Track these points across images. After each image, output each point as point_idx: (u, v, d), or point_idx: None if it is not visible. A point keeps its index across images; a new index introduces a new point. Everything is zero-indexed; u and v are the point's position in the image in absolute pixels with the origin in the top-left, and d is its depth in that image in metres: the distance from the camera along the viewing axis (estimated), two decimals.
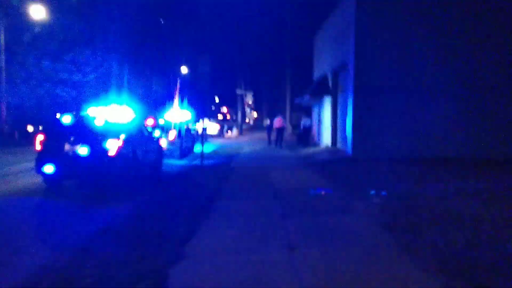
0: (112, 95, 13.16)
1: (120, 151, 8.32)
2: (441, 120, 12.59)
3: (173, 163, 13.80)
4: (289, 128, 33.41)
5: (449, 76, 12.54)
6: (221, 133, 32.09)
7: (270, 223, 5.65)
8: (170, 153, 15.46)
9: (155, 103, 27.44)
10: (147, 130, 11.11)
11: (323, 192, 7.94)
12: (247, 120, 66.24)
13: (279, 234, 5.11)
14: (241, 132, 35.86)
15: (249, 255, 4.34)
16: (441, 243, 4.60)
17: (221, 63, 46.17)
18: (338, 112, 16.03)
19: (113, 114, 9.24)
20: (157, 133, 12.60)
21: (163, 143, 15.46)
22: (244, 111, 44.72)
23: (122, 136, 8.52)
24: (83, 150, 8.05)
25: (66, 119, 8.40)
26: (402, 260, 4.19)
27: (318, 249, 4.50)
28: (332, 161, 12.96)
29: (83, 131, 8.34)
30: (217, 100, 73.61)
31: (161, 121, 16.54)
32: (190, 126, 19.35)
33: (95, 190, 8.44)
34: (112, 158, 8.20)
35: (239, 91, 37.08)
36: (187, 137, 17.24)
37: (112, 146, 8.20)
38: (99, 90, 12.59)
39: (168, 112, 18.15)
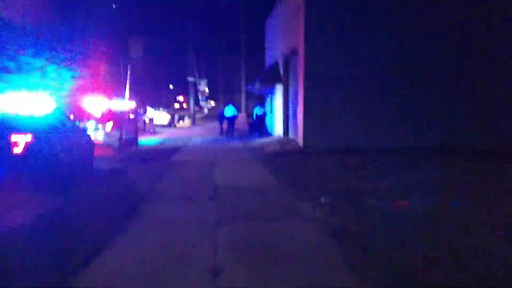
0: (28, 80, 11.52)
1: (29, 147, 7.01)
2: (388, 111, 12.15)
3: (112, 157, 12.46)
4: (243, 117, 32.54)
5: (396, 69, 12.07)
6: (172, 123, 30.57)
7: (198, 235, 4.71)
8: (107, 146, 14.05)
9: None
10: (73, 123, 9.75)
11: (267, 191, 7.12)
12: (204, 110, 64.63)
13: (206, 250, 4.18)
14: (193, 122, 34.50)
15: (158, 284, 3.39)
16: (394, 256, 3.89)
17: (176, 51, 44.32)
18: (290, 101, 15.31)
19: (24, 104, 7.88)
20: (90, 125, 11.25)
21: (99, 136, 14.08)
22: (198, 100, 43.17)
23: (32, 130, 7.21)
24: None
25: None
26: (350, 282, 3.41)
27: (247, 272, 3.62)
28: (282, 153, 12.22)
29: None
30: (171, 87, 70.96)
31: (96, 112, 15.00)
32: (132, 116, 17.87)
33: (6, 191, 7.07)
34: (18, 156, 6.88)
35: (190, 79, 35.54)
36: (128, 128, 15.81)
37: (18, 142, 6.87)
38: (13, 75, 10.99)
39: (106, 100, 16.59)
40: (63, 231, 4.87)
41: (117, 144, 14.31)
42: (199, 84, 52.12)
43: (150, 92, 58.36)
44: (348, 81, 11.92)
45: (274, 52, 18.19)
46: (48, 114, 8.10)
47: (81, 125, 13.68)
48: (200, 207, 6.09)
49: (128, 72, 43.18)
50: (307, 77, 11.99)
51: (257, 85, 17.71)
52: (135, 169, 10.24)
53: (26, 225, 5.09)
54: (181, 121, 33.00)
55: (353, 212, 5.51)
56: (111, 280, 3.49)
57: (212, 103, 70.34)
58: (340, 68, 11.87)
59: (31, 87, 10.40)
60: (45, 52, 12.99)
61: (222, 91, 60.62)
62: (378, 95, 12.05)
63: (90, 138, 10.70)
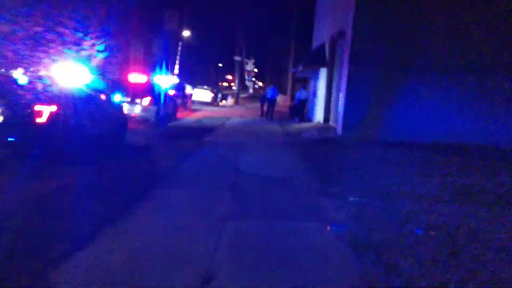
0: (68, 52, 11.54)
1: (54, 118, 6.87)
2: (445, 103, 10.97)
3: (146, 132, 12.35)
4: (288, 100, 31.75)
5: (459, 57, 10.80)
6: (214, 101, 30.42)
7: (202, 229, 4.25)
8: (144, 121, 14.02)
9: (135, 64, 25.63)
10: (106, 96, 9.61)
11: (291, 183, 6.53)
12: (250, 90, 64.18)
13: (204, 249, 3.72)
14: (237, 101, 34.17)
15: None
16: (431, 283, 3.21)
17: (226, 29, 43.88)
18: (333, 85, 14.40)
19: (60, 74, 7.77)
20: (117, 97, 11.13)
21: (136, 110, 14.04)
22: (243, 79, 42.76)
23: (60, 101, 7.07)
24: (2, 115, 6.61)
25: None
26: None
27: (242, 282, 3.11)
28: (319, 141, 11.49)
29: (9, 91, 6.88)
30: (220, 65, 70.84)
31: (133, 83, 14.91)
32: (171, 92, 17.74)
33: (28, 162, 7.03)
34: (42, 125, 6.76)
35: (237, 58, 35.07)
36: (166, 103, 15.70)
37: (42, 112, 6.74)
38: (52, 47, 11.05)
39: (150, 75, 16.53)
40: (67, 209, 4.60)
41: (153, 119, 14.23)
42: (246, 63, 51.66)
43: (198, 69, 58.85)
44: (398, 68, 10.86)
45: (322, 34, 17.18)
46: (77, 86, 7.94)
47: (117, 98, 13.73)
48: (214, 196, 5.63)
49: (179, 49, 43.57)
50: (352, 61, 11.05)
51: (301, 67, 16.86)
52: (164, 146, 10.00)
53: (37, 197, 4.90)
54: (224, 100, 32.78)
55: (384, 219, 4.80)
56: (84, 281, 3.12)
57: (260, 83, 69.69)
58: (390, 54, 10.81)
59: (68, 59, 10.40)
60: (83, 25, 13.02)
61: (271, 72, 59.75)
62: (433, 85, 10.90)
63: (123, 112, 10.59)
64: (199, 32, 48.66)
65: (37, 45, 10.37)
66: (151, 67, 25.46)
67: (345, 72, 11.55)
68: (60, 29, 11.65)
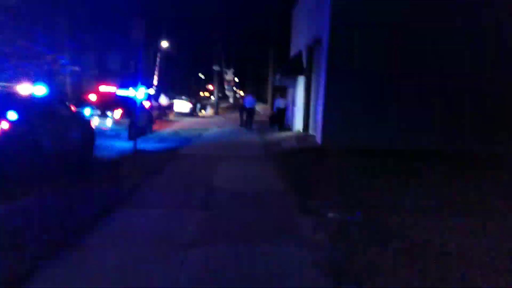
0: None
1: (4, 135, 6.26)
2: (423, 109, 10.76)
3: (116, 146, 11.72)
4: (268, 109, 31.48)
5: (436, 66, 10.62)
6: (193, 112, 29.82)
7: (163, 258, 3.75)
8: (116, 135, 13.37)
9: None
10: (69, 110, 9.01)
11: (268, 198, 6.08)
12: (230, 100, 63.78)
13: (163, 281, 3.21)
14: (216, 111, 33.65)
15: None
16: None
17: (205, 39, 43.56)
18: (312, 94, 14.09)
19: (15, 88, 7.16)
20: (86, 111, 10.54)
21: (107, 123, 13.40)
22: (222, 89, 42.40)
23: (12, 116, 6.47)
24: None
25: None
26: None
27: None
28: (298, 151, 11.10)
29: None
30: (202, 76, 70.25)
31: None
32: (145, 104, 17.11)
33: None
34: None
35: (216, 68, 34.66)
36: (141, 116, 15.08)
37: None
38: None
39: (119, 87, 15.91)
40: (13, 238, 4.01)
41: (126, 132, 13.59)
42: (225, 73, 51.43)
43: (178, 80, 58.21)
44: (376, 75, 10.61)
45: (299, 42, 16.95)
46: (34, 100, 7.34)
47: (86, 112, 13.07)
48: (181, 217, 5.12)
49: (157, 60, 42.92)
50: (330, 69, 10.76)
51: (279, 76, 16.54)
52: (134, 161, 9.42)
53: None
54: (203, 110, 32.24)
55: (365, 238, 4.39)
56: None
57: (242, 92, 69.42)
58: (368, 61, 10.56)
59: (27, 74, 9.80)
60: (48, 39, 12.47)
61: (251, 81, 59.60)
62: (412, 91, 10.68)
63: (90, 126, 9.97)
64: (179, 43, 48.29)
65: None
66: (126, 79, 24.86)
67: (322, 79, 11.25)
68: (20, 42, 11.04)
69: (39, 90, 7.57)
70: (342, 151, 10.22)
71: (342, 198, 5.97)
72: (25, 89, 7.14)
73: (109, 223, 4.80)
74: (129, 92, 15.09)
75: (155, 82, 39.86)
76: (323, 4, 11.48)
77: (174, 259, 3.77)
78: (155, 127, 19.08)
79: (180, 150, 11.41)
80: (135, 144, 9.62)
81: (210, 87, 75.68)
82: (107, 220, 4.89)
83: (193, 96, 53.11)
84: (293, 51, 18.82)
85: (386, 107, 10.76)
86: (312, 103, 13.95)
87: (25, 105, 6.99)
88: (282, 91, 21.77)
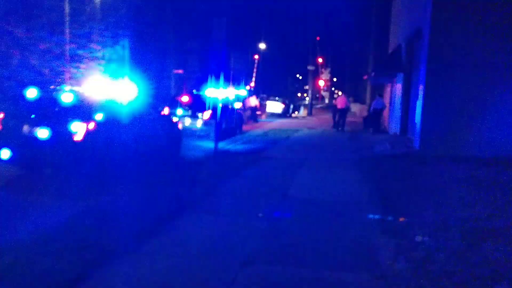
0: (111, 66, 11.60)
1: (91, 135, 6.59)
2: None
3: (204, 147, 11.92)
4: (366, 110, 29.80)
5: None
6: (286, 113, 29.58)
7: (211, 276, 3.38)
8: (205, 135, 13.67)
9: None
10: (157, 111, 9.31)
11: (346, 212, 5.37)
12: (325, 100, 62.43)
13: None
14: (310, 112, 32.98)
15: None
16: None
17: (303, 41, 43.21)
18: (411, 92, 12.69)
19: (105, 90, 7.58)
20: (178, 112, 10.85)
21: (198, 124, 13.75)
22: (316, 90, 41.49)
23: (98, 117, 6.79)
24: (42, 133, 6.45)
25: (31, 93, 6.85)
26: None
27: None
28: (391, 157, 9.98)
29: (47, 109, 6.77)
30: (299, 77, 70.05)
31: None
32: (236, 105, 17.25)
33: (59, 183, 6.82)
34: (78, 144, 6.50)
35: (310, 67, 33.97)
36: (229, 117, 15.26)
37: (78, 130, 6.48)
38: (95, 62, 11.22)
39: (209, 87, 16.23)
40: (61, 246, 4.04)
41: (214, 132, 13.82)
42: (322, 73, 50.35)
43: (276, 81, 58.87)
44: (488, 69, 9.01)
45: (398, 35, 15.48)
46: (119, 101, 7.64)
47: (177, 113, 13.57)
48: (245, 228, 4.72)
49: (255, 61, 43.86)
50: (431, 63, 9.46)
51: (373, 73, 15.32)
52: (217, 163, 9.37)
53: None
54: (296, 111, 31.83)
55: (463, 274, 3.48)
56: None
57: (340, 93, 67.45)
58: (477, 53, 9.02)
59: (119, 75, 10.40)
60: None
61: (349, 81, 57.48)
62: None
63: (177, 127, 10.22)
64: (276, 44, 48.79)
65: (71, 61, 10.49)
66: (224, 80, 25.57)
67: (422, 76, 9.96)
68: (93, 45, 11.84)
69: (126, 93, 7.88)
70: (443, 158, 8.89)
71: (437, 217, 4.98)
72: (112, 92, 7.47)
73: (171, 229, 4.62)
74: (218, 93, 15.32)
75: (252, 83, 40.74)
76: None
77: (225, 277, 3.38)
78: (246, 127, 19.26)
79: (264, 152, 11.12)
80: (216, 146, 9.56)
81: (307, 87, 75.20)
82: (170, 226, 4.72)
83: (290, 97, 53.17)
84: (392, 47, 17.32)
85: (497, 108, 9.08)
86: (411, 103, 12.56)
87: (111, 107, 7.31)
88: (381, 90, 20.29)
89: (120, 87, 7.74)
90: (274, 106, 28.87)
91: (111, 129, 7.06)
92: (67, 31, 10.98)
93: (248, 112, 22.20)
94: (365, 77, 18.72)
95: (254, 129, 18.73)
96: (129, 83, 8.11)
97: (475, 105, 9.20)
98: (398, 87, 14.29)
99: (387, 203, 5.75)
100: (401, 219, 4.93)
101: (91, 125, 6.62)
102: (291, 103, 32.31)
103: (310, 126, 21.09)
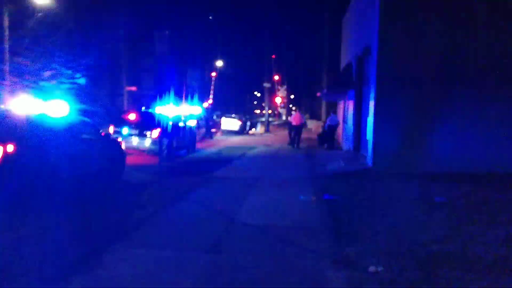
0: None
1: (10, 159, 5.77)
2: (498, 123, 9.04)
3: (152, 167, 11.17)
4: (320, 127, 30.12)
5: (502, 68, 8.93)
6: (243, 130, 29.23)
7: None
8: (154, 154, 12.93)
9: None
10: (96, 131, 8.55)
11: (297, 239, 4.93)
12: (283, 117, 62.98)
13: None
14: (267, 129, 32.86)
15: None
16: None
17: (258, 56, 43.46)
18: (363, 109, 12.72)
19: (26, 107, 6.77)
20: (124, 131, 10.12)
21: (146, 143, 12.99)
22: (273, 107, 41.69)
23: (19, 138, 6.00)
24: None
25: None
26: None
27: None
28: (345, 174, 9.78)
29: None
30: (257, 94, 70.23)
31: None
32: (188, 122, 16.62)
33: None
34: None
35: (266, 85, 34.03)
36: (181, 135, 14.61)
37: None
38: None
39: (159, 105, 15.55)
40: None
41: (164, 152, 13.10)
42: (278, 90, 50.84)
43: (232, 98, 58.66)
44: (435, 84, 9.13)
45: (348, 53, 15.67)
46: (49, 121, 6.86)
47: (123, 131, 12.77)
48: (180, 264, 4.14)
49: (213, 79, 43.48)
50: (380, 80, 9.45)
51: (325, 90, 15.33)
52: (162, 185, 8.72)
53: None
54: (253, 128, 31.59)
55: None
56: None
57: (295, 110, 68.28)
58: (425, 68, 9.13)
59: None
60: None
61: (305, 98, 58.40)
62: (481, 102, 9.03)
63: (119, 147, 9.48)
64: (233, 61, 48.81)
65: None
66: (176, 97, 24.88)
67: (372, 92, 9.93)
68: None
69: (57, 110, 7.11)
70: (397, 175, 8.79)
71: (391, 242, 4.67)
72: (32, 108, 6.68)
73: (95, 268, 3.95)
74: (169, 110, 14.66)
75: (209, 100, 40.23)
76: (372, 6, 10.23)
77: None
78: (201, 145, 18.64)
79: (216, 172, 10.57)
80: (160, 166, 8.89)
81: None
82: (95, 263, 4.06)
83: (249, 114, 52.93)
84: (343, 64, 17.54)
85: (446, 122, 9.19)
86: (363, 119, 12.57)
87: (36, 126, 6.52)
88: (335, 107, 20.46)
89: (50, 106, 6.96)
90: (231, 123, 28.46)
91: (36, 152, 6.27)
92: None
93: (203, 130, 21.63)
94: (318, 94, 18.74)
95: (208, 147, 18.15)
96: (59, 101, 7.33)
97: (425, 120, 9.24)
98: (350, 103, 14.35)
99: (339, 227, 5.39)
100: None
101: (10, 148, 5.81)
102: (248, 120, 32.04)
103: (267, 143, 20.80)
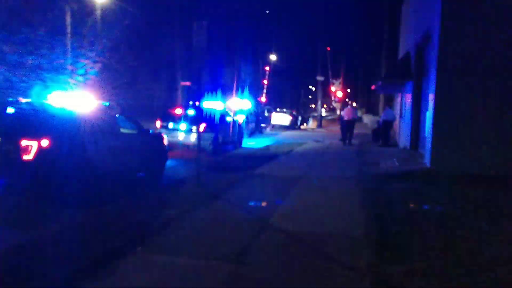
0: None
1: (44, 154, 5.72)
2: None
3: (192, 163, 10.99)
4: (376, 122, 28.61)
5: None
6: (294, 125, 28.52)
7: None
8: (200, 150, 12.77)
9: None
10: (138, 126, 8.45)
11: (332, 253, 4.32)
12: (337, 111, 61.05)
13: None
14: (319, 124, 31.84)
15: None
16: None
17: (314, 53, 42.34)
18: (422, 102, 11.59)
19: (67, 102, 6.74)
20: (170, 126, 10.01)
21: (191, 138, 12.86)
22: (327, 101, 40.44)
23: (53, 133, 5.94)
24: None
25: None
26: None
27: None
28: (398, 175, 8.86)
29: None
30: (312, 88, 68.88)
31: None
32: (237, 117, 16.32)
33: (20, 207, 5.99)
34: (30, 163, 5.64)
35: (319, 78, 32.92)
36: (227, 130, 14.38)
37: (29, 147, 5.63)
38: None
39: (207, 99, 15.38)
40: None
41: (210, 147, 12.91)
42: (333, 84, 49.29)
43: (287, 93, 57.93)
44: (504, 78, 7.92)
45: (407, 41, 14.42)
46: (83, 115, 6.76)
47: (169, 126, 12.72)
48: (200, 274, 3.73)
49: (266, 73, 43.13)
50: (441, 70, 8.39)
51: (380, 83, 14.24)
52: (202, 181, 8.40)
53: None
54: (305, 123, 30.76)
55: None
56: None
57: (354, 104, 65.90)
58: (494, 55, 7.95)
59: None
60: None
61: (361, 92, 56.20)
62: None
63: (161, 142, 9.34)
64: (287, 55, 48.00)
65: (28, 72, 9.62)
66: (225, 91, 24.80)
67: (432, 85, 8.89)
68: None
69: (91, 103, 7.04)
70: (460, 178, 7.76)
71: (448, 262, 3.91)
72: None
73: (110, 275, 3.68)
74: (217, 105, 14.46)
75: (263, 95, 39.92)
76: None
77: None
78: (249, 141, 18.34)
79: (258, 168, 10.12)
80: (197, 164, 8.58)
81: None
82: (111, 268, 3.78)
83: (303, 108, 51.92)
84: (401, 54, 16.24)
85: None
86: (421, 115, 11.46)
87: (71, 120, 6.45)
88: (393, 101, 19.16)
89: (84, 100, 6.89)
90: (281, 118, 27.89)
91: (71, 147, 6.20)
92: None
93: (252, 125, 21.31)
94: (373, 87, 17.60)
95: (257, 143, 17.79)
96: (89, 95, 7.24)
97: (492, 117, 8.08)
98: (408, 97, 13.19)
99: (382, 239, 4.70)
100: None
101: (45, 142, 5.76)
102: (300, 114, 31.24)
103: (317, 139, 20.00)
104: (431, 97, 8.99)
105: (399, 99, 16.33)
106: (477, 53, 8.13)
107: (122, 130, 7.91)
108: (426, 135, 9.51)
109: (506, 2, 7.90)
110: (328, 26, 39.97)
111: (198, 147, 8.47)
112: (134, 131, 8.33)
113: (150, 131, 9.18)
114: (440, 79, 8.42)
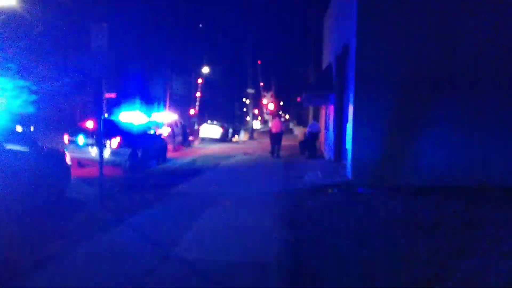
0: None
1: None
2: (491, 131, 8.04)
3: (108, 181, 9.91)
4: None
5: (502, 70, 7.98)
6: (225, 137, 28.02)
7: None
8: (116, 166, 11.69)
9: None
10: (33, 142, 7.33)
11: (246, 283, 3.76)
12: (269, 124, 61.72)
13: None
14: (251, 136, 31.74)
15: None
16: None
17: (243, 63, 42.32)
18: (343, 114, 11.66)
19: None
20: (80, 140, 8.92)
21: (105, 153, 11.72)
22: (257, 113, 40.68)
23: None
24: None
25: None
26: None
27: None
28: (321, 188, 8.65)
29: None
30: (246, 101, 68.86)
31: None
32: (161, 130, 15.43)
33: None
34: None
35: (250, 90, 32.96)
36: (147, 144, 13.38)
37: None
38: None
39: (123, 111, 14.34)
40: None
41: (126, 163, 11.85)
42: (264, 96, 49.88)
43: (220, 105, 57.32)
44: (420, 87, 8.09)
45: (328, 54, 14.65)
46: None
47: (79, 140, 11.52)
48: None
49: (199, 86, 42.18)
50: (359, 82, 8.40)
51: (304, 95, 14.26)
52: (108, 203, 7.46)
53: None
54: (236, 135, 30.42)
55: None
56: None
57: (287, 116, 67.07)
58: (408, 68, 8.10)
59: None
60: None
61: (293, 104, 57.47)
62: (474, 107, 8.05)
63: (62, 160, 8.25)
64: (220, 68, 47.58)
65: None
66: (145, 103, 23.70)
67: (351, 96, 8.86)
68: None
69: None
70: (379, 189, 7.71)
71: (366, 284, 3.53)
72: None
73: None
74: (135, 117, 13.45)
75: (195, 108, 38.97)
76: (350, 1, 9.22)
77: None
78: (176, 154, 17.45)
79: (177, 186, 9.37)
80: (118, 180, 7.63)
81: (256, 111, 74.44)
82: None
83: (238, 121, 51.53)
84: (324, 66, 16.52)
85: (433, 130, 8.17)
86: (344, 127, 11.51)
87: None
88: (318, 113, 19.44)
89: None
90: (211, 130, 27.24)
91: None
92: None
93: (179, 138, 20.42)
94: (299, 99, 17.69)
95: (182, 157, 16.94)
96: None
97: (409, 129, 8.20)
98: (331, 109, 13.31)
99: (303, 263, 4.26)
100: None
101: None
102: (231, 127, 30.87)
103: (247, 152, 19.64)
104: (350, 109, 8.96)
105: (323, 111, 16.54)
106: (393, 66, 8.24)
107: (8, 147, 6.79)
108: (347, 147, 9.47)
109: (413, 18, 8.09)
110: (259, 39, 40.46)
111: (100, 164, 7.49)
112: (25, 149, 7.21)
113: (51, 148, 8.08)
114: (358, 91, 8.40)
